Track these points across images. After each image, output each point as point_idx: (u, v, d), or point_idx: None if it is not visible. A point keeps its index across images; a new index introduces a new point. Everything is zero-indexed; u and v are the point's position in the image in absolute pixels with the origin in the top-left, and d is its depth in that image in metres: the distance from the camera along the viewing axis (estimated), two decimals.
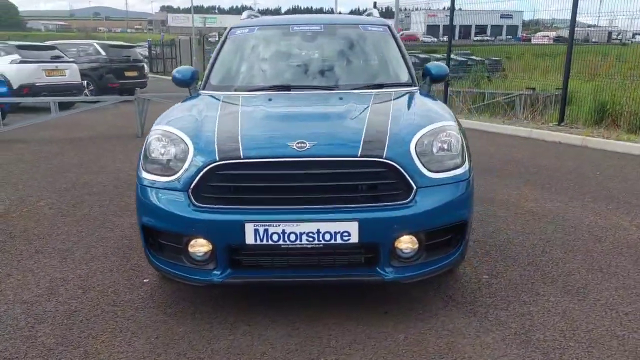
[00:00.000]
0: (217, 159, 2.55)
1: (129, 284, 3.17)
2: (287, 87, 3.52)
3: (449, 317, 2.75)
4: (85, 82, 13.82)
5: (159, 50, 31.16)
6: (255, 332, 2.61)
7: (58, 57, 12.58)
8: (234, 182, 2.57)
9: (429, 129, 2.75)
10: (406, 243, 2.63)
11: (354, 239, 2.50)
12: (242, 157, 2.55)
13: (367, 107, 3.03)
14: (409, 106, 3.13)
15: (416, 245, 2.64)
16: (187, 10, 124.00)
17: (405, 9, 21.15)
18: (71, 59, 13.02)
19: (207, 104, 3.26)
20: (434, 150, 2.70)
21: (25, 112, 10.59)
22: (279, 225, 2.48)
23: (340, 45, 3.91)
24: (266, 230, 2.49)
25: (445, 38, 14.02)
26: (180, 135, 2.72)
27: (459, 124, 3.05)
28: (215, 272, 2.60)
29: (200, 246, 2.61)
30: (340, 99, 3.21)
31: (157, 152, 2.74)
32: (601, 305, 2.86)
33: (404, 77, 3.75)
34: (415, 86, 3.66)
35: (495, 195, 4.97)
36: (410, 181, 2.57)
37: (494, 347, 2.48)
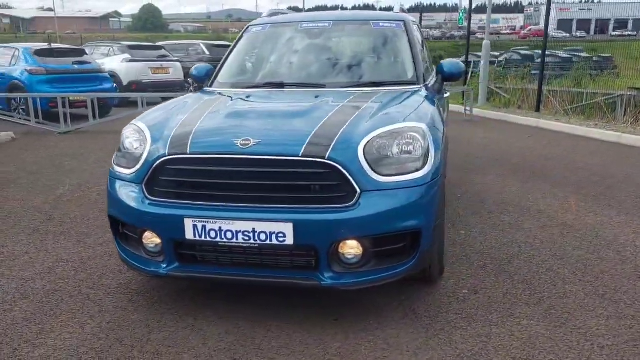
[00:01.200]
0: (167, 153, 2.63)
1: (117, 270, 3.36)
2: (281, 85, 3.52)
3: (398, 330, 2.59)
4: (190, 79, 14.77)
5: None
6: (197, 327, 2.65)
7: (164, 56, 13.56)
8: (180, 176, 2.62)
9: (385, 130, 2.61)
10: (350, 248, 2.52)
11: (289, 240, 2.45)
12: (187, 152, 2.60)
13: (337, 106, 2.93)
14: (385, 106, 2.98)
15: (360, 251, 2.52)
16: (310, 11, 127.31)
17: (536, 3, 20.00)
18: (175, 58, 13.97)
19: (194, 100, 3.35)
20: (388, 152, 2.55)
21: (134, 106, 11.53)
22: (215, 223, 2.50)
23: (344, 42, 3.83)
24: (204, 227, 2.51)
25: (579, 33, 13.05)
26: (144, 130, 2.83)
27: (439, 128, 2.87)
28: (162, 264, 2.69)
29: (151, 238, 2.70)
30: (316, 97, 3.14)
31: (124, 146, 2.88)
32: (578, 335, 2.52)
33: (408, 75, 3.57)
34: (419, 84, 3.48)
35: (533, 204, 4.56)
36: (354, 184, 2.46)
37: None
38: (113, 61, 12.91)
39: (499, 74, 13.33)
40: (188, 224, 2.53)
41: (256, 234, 2.47)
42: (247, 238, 2.48)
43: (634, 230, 3.93)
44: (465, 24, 13.45)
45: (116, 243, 2.92)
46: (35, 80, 10.07)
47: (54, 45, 11.18)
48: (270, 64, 3.82)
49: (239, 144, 2.54)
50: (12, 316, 2.80)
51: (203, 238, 2.53)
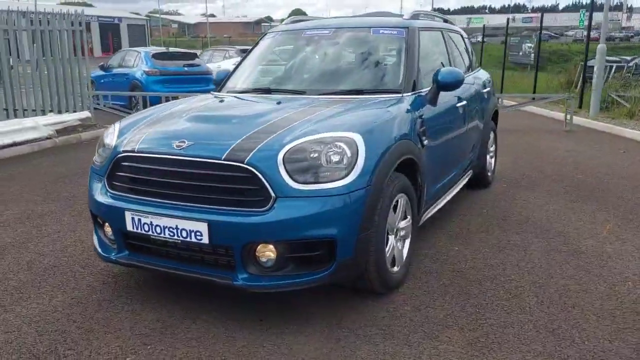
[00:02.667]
0: (121, 150, 2.91)
1: None
2: (267, 90, 3.66)
3: (310, 338, 2.61)
4: None
5: None
6: (137, 313, 2.89)
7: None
8: (128, 172, 2.88)
9: (311, 138, 2.64)
10: (265, 252, 2.60)
11: (205, 239, 2.59)
12: (135, 150, 2.85)
13: (286, 113, 3.01)
14: (335, 114, 2.99)
15: (274, 256, 2.59)
16: (456, 12, 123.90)
17: None
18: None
19: (184, 102, 3.62)
20: (309, 160, 2.58)
21: None
22: (148, 217, 2.72)
23: (338, 49, 3.85)
24: (140, 220, 2.75)
25: None
26: (116, 129, 3.15)
27: (385, 139, 2.83)
28: (114, 251, 2.97)
29: (107, 227, 3.01)
30: (278, 103, 3.23)
31: (102, 142, 3.21)
32: None
33: (393, 83, 3.52)
34: (404, 93, 3.40)
35: (559, 225, 4.17)
36: (270, 189, 2.53)
37: None
38: (226, 64, 13.85)
39: (627, 80, 12.04)
40: (128, 216, 2.78)
41: (179, 231, 2.65)
42: (172, 234, 2.67)
43: None
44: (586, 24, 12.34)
45: (94, 230, 3.27)
46: (151, 80, 11.20)
47: (170, 49, 12.31)
48: (264, 70, 3.97)
49: (174, 145, 2.74)
50: (8, 284, 3.27)
51: (139, 230, 2.76)
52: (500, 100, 9.80)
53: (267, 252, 2.59)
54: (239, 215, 2.56)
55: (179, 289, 3.12)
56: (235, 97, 3.67)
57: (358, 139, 2.68)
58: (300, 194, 2.54)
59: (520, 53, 18.92)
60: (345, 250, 2.61)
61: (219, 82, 4.20)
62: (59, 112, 9.07)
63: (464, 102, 4.17)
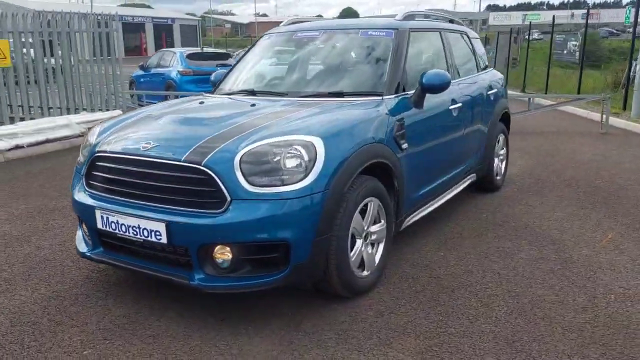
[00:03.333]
0: (96, 150, 3.02)
1: None
2: (252, 92, 3.70)
3: (263, 339, 2.62)
4: None
5: None
6: (107, 308, 2.98)
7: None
8: (100, 172, 2.98)
9: (269, 141, 2.66)
10: (221, 253, 2.63)
11: (164, 239, 2.65)
12: (107, 151, 2.95)
13: (254, 115, 3.04)
14: (303, 116, 2.99)
15: (229, 257, 2.62)
16: (513, 8, 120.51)
17: None
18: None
19: (169, 103, 3.71)
20: (266, 163, 2.60)
21: None
22: (114, 215, 2.81)
23: (324, 52, 3.84)
24: (108, 218, 2.84)
25: None
26: (97, 130, 3.26)
27: (350, 143, 2.81)
28: (88, 247, 3.08)
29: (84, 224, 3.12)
30: (252, 105, 3.26)
31: (84, 142, 3.32)
32: None
33: (376, 86, 3.48)
34: (385, 96, 3.36)
35: (558, 233, 4.01)
36: (225, 191, 2.56)
37: None
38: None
39: None
40: (98, 214, 2.88)
41: (141, 230, 2.72)
42: (135, 233, 2.74)
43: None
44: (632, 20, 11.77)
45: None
46: (185, 80, 11.47)
47: (205, 50, 12.57)
48: (252, 72, 4.01)
49: (141, 147, 2.81)
50: (0, 276, 3.44)
51: (107, 228, 2.86)
52: (531, 100, 9.48)
53: (224, 254, 2.62)
54: (195, 217, 2.60)
55: (158, 287, 3.19)
56: (218, 98, 3.72)
57: (317, 142, 2.67)
58: (255, 196, 2.56)
59: (565, 51, 18.22)
60: (300, 254, 2.61)
61: (215, 83, 4.27)
62: (92, 110, 9.42)
63: (459, 105, 4.07)
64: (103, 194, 2.92)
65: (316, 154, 2.64)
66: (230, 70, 4.25)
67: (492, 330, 2.67)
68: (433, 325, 2.73)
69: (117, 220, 2.79)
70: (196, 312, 2.89)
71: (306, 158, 2.62)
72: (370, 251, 3.09)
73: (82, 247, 3.14)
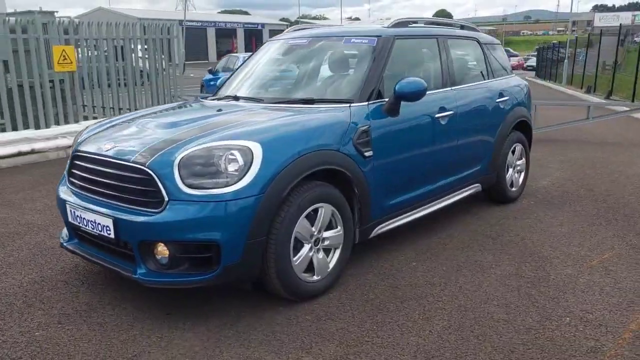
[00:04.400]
0: (75, 149, 3.30)
1: None
2: (236, 98, 3.85)
3: (196, 335, 2.75)
4: None
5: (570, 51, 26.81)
6: (80, 296, 3.25)
7: None
8: (75, 169, 3.25)
9: (208, 146, 2.79)
10: (160, 250, 2.80)
11: (112, 234, 2.86)
12: (82, 150, 3.22)
13: (213, 119, 3.19)
14: (253, 122, 3.10)
15: (167, 254, 2.77)
16: (623, 8, 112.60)
17: None
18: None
19: (156, 108, 3.95)
20: (202, 166, 2.73)
21: None
22: (78, 210, 3.06)
23: (307, 59, 3.90)
24: (74, 212, 3.10)
25: None
26: (84, 131, 3.55)
27: (292, 148, 2.88)
28: (66, 238, 3.37)
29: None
30: (219, 110, 3.40)
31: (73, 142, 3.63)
32: None
33: (347, 93, 3.51)
34: (355, 103, 3.38)
35: (549, 249, 3.81)
36: (164, 192, 2.73)
37: None
38: None
39: None
40: (68, 208, 3.15)
41: (97, 224, 2.95)
42: (92, 227, 2.98)
43: (615, 304, 3.04)
44: None
45: None
46: None
47: None
48: (245, 78, 4.14)
49: (104, 147, 3.05)
50: (6, 260, 3.81)
51: (75, 222, 3.12)
52: (590, 108, 8.88)
53: (163, 251, 2.78)
54: (138, 214, 2.78)
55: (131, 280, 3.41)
56: (199, 104, 3.90)
57: (255, 147, 2.77)
58: (190, 198, 2.69)
59: None
60: (231, 255, 2.71)
61: (219, 88, 4.47)
62: None
63: (450, 113, 3.98)
64: (75, 190, 3.19)
65: (252, 159, 2.73)
66: (230, 76, 4.43)
67: (418, 343, 2.62)
68: (362, 334, 2.73)
69: (81, 215, 3.04)
70: (151, 305, 3.07)
71: (241, 162, 2.72)
72: (321, 256, 3.12)
73: (63, 238, 3.43)
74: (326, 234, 3.14)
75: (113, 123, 3.56)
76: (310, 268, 3.08)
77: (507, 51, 14.64)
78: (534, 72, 36.67)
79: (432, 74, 4.05)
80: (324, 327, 2.80)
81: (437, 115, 3.87)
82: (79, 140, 3.42)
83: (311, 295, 3.09)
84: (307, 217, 3.00)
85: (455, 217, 4.53)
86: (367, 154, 3.30)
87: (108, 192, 2.93)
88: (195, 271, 2.78)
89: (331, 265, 3.19)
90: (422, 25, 4.28)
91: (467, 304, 3.02)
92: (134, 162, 2.83)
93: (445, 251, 3.82)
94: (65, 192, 3.27)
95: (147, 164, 2.78)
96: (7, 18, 8.49)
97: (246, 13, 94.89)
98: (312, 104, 3.47)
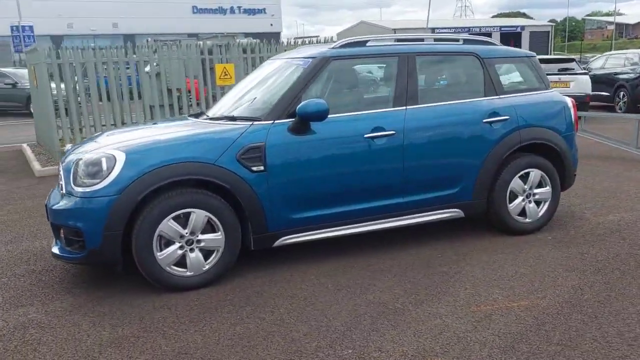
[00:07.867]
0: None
1: None
2: (198, 115, 4.47)
3: (102, 319, 3.25)
4: (621, 93, 13.62)
5: None
6: (54, 292, 4.24)
7: (567, 69, 12.87)
8: None
9: (91, 153, 3.53)
10: (63, 231, 3.60)
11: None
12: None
13: (136, 133, 3.93)
14: (150, 135, 3.76)
15: (62, 236, 3.57)
16: None
17: None
18: (583, 71, 12.97)
19: (159, 122, 4.78)
20: (82, 169, 3.47)
21: None
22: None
23: (264, 79, 4.33)
24: None
25: None
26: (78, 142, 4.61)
27: (155, 159, 3.40)
28: None
29: None
30: (154, 124, 4.05)
31: None
32: None
33: (258, 112, 3.83)
34: (255, 122, 3.70)
35: (519, 271, 3.42)
36: (64, 187, 3.56)
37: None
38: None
39: None
40: None
41: None
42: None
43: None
44: None
45: None
46: None
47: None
48: (226, 95, 4.66)
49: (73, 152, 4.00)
50: (18, 247, 4.95)
51: None
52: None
53: (63, 232, 3.58)
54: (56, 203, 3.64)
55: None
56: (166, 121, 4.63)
57: (119, 156, 3.38)
58: (75, 193, 3.46)
59: None
60: (92, 241, 3.37)
61: None
62: None
63: (391, 132, 3.85)
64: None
65: (114, 165, 3.35)
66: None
67: (196, 348, 2.87)
68: (164, 334, 3.01)
69: None
70: (115, 298, 3.51)
71: (105, 168, 3.37)
72: (194, 255, 3.51)
73: None
74: (203, 237, 3.52)
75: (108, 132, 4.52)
76: (179, 264, 3.51)
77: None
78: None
79: (378, 93, 3.98)
80: (157, 318, 3.19)
81: (368, 135, 3.81)
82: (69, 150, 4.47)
83: (182, 289, 3.51)
84: (177, 219, 3.45)
85: (438, 243, 4.26)
86: (255, 168, 3.55)
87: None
88: (76, 251, 3.50)
89: (207, 265, 3.56)
90: (386, 44, 4.18)
91: (286, 323, 3.07)
92: (61, 163, 3.72)
93: (371, 273, 3.76)
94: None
95: (62, 165, 3.63)
96: (205, 41, 9.69)
97: (524, 15, 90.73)
98: (234, 120, 3.85)
